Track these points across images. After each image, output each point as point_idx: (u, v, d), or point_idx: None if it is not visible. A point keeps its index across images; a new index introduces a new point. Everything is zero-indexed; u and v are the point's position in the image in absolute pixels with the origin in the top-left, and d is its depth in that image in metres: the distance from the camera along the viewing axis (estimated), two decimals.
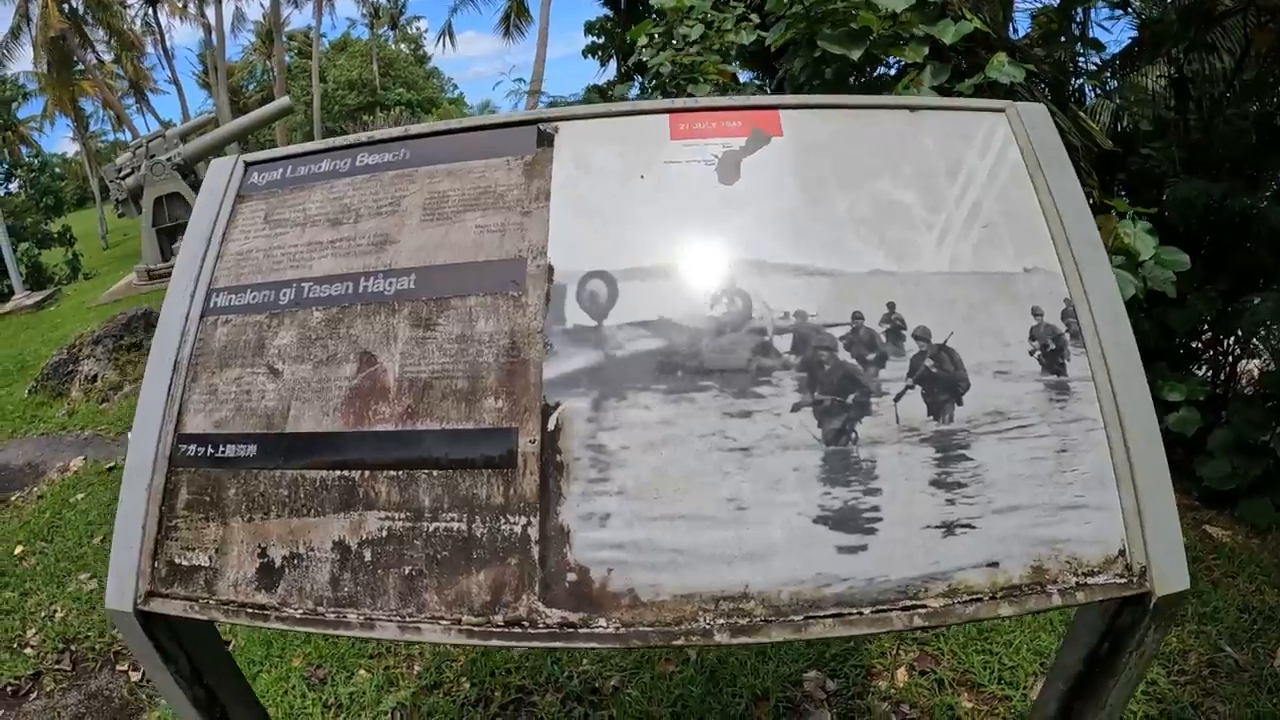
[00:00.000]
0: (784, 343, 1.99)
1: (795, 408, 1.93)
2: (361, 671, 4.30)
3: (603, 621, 1.82)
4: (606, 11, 19.70)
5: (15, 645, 5.13)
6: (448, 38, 43.19)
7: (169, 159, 15.11)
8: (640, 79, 18.48)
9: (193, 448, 2.17)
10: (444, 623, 1.88)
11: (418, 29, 75.94)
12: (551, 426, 1.96)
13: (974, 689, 3.69)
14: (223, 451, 2.14)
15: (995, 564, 1.82)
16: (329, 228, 2.36)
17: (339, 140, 2.53)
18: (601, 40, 19.21)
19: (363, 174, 2.43)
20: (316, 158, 2.51)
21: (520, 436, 1.97)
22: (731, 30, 10.17)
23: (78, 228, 31.70)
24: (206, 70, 56.68)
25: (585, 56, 19.43)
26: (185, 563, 2.07)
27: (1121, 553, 1.84)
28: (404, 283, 2.21)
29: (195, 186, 15.32)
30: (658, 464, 1.91)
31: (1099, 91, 9.11)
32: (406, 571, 1.94)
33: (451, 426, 2.03)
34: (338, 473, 2.05)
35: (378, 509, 1.99)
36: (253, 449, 2.12)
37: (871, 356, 1.97)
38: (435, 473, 2.00)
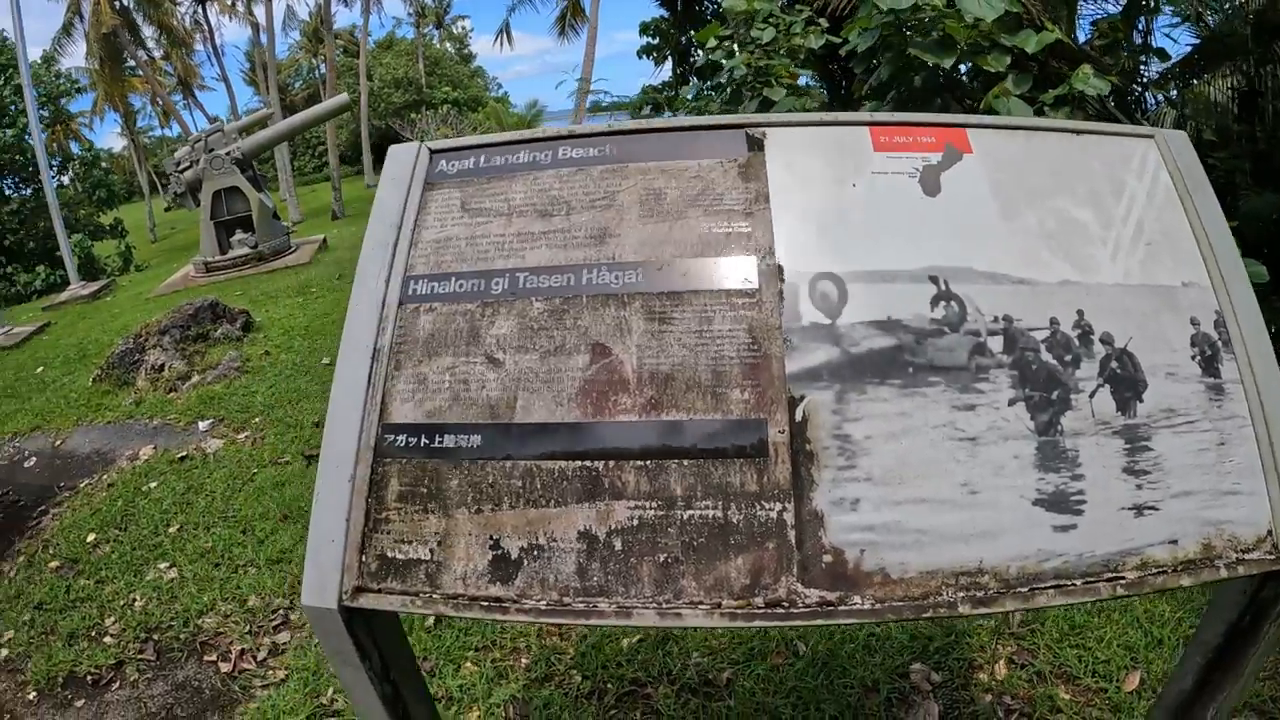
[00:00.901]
0: (996, 344, 2.14)
1: (1010, 402, 2.08)
2: (469, 664, 4.25)
3: (858, 599, 1.91)
4: (662, 12, 19.65)
5: (94, 634, 5.11)
6: (505, 36, 43.17)
7: (227, 153, 15.17)
8: (695, 79, 18.46)
9: (402, 438, 2.15)
10: (704, 607, 1.91)
11: (463, 28, 76.50)
12: (799, 417, 2.04)
13: (1070, 681, 3.72)
14: (440, 442, 2.13)
15: (1175, 541, 1.99)
16: (539, 219, 2.37)
17: (536, 132, 2.56)
18: (656, 41, 19.24)
19: (568, 167, 2.45)
20: (513, 149, 2.52)
21: (770, 427, 2.03)
22: (800, 34, 10.10)
23: (126, 221, 31.97)
24: (253, 68, 57.16)
25: (640, 57, 19.51)
26: (401, 556, 2.05)
27: (1270, 533, 2.02)
28: (631, 276, 2.23)
29: (253, 181, 15.45)
30: (898, 452, 2.02)
31: (1161, 100, 8.99)
32: (661, 559, 1.97)
33: (698, 417, 2.06)
34: (578, 463, 2.06)
35: (626, 498, 2.01)
36: (477, 439, 2.11)
37: (1068, 358, 2.13)
38: (686, 462, 2.03)
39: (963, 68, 7.52)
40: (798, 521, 1.95)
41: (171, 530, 5.98)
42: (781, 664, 3.97)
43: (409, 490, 2.09)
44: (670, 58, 19.72)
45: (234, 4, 45.20)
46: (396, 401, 2.19)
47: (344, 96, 16.50)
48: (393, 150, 2.57)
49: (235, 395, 8.05)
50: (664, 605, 1.92)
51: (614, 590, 1.94)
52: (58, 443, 8.22)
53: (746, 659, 4.03)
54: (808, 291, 2.16)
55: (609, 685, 3.98)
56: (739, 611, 1.89)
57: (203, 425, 7.53)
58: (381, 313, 2.28)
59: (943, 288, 2.18)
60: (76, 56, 46.60)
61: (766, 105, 9.65)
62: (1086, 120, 4.85)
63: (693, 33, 18.97)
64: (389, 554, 2.05)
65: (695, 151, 2.41)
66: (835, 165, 2.34)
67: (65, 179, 31.15)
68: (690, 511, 1.98)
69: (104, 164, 33.89)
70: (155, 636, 4.96)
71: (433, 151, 2.54)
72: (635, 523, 1.98)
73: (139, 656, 4.83)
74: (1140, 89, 8.77)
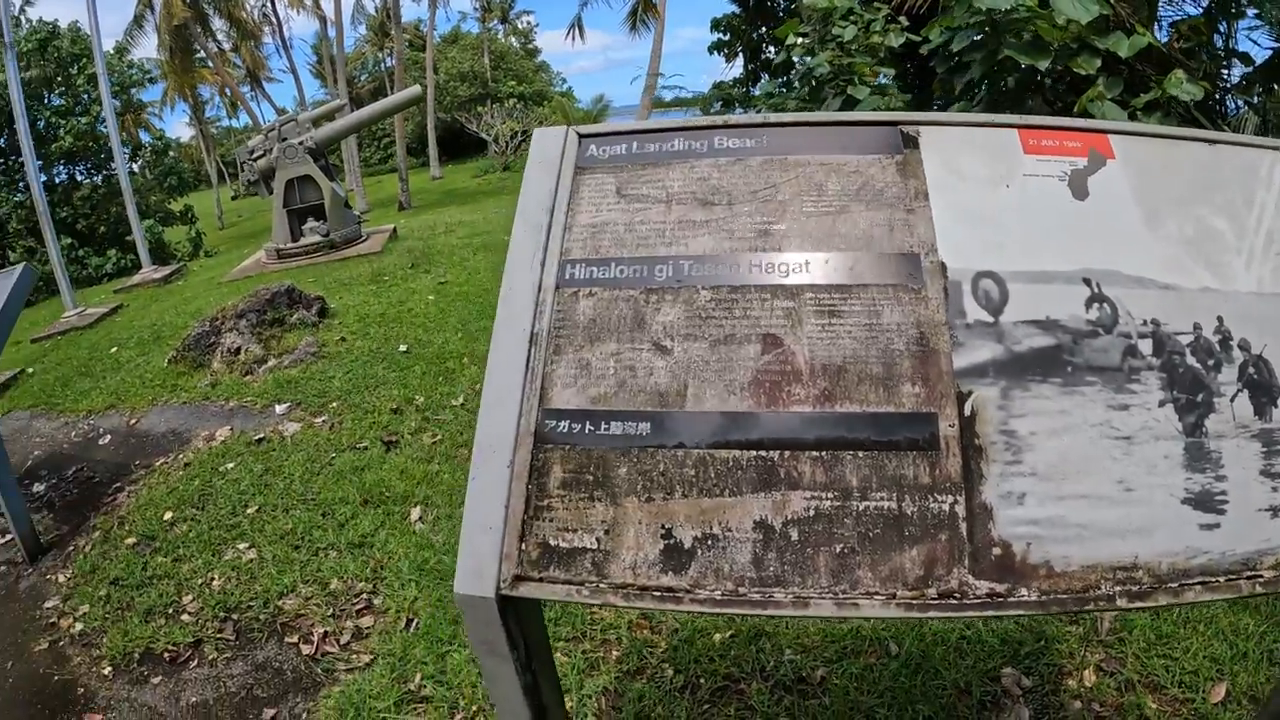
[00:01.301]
0: (1146, 346, 2.17)
1: (1160, 404, 2.11)
2: (560, 655, 4.15)
3: (1024, 591, 1.90)
4: (734, 8, 19.49)
5: (171, 611, 5.08)
6: (577, 30, 43.15)
7: (301, 142, 15.26)
8: (766, 76, 18.31)
9: (564, 424, 2.13)
10: (879, 598, 1.90)
11: (528, 23, 76.82)
12: (967, 412, 2.06)
13: (1157, 690, 3.66)
14: (607, 429, 2.10)
15: None
16: (701, 208, 2.37)
17: (690, 121, 2.58)
18: (727, 37, 19.12)
19: (725, 157, 2.45)
20: (666, 136, 2.53)
21: (941, 421, 2.05)
22: (879, 32, 9.96)
23: (195, 209, 32.38)
24: (320, 60, 57.72)
25: (711, 53, 19.40)
26: (565, 544, 2.01)
27: None
28: (799, 268, 2.23)
29: (326, 170, 15.50)
30: (1060, 449, 2.02)
31: (1242, 106, 8.77)
32: (838, 550, 1.95)
33: (872, 410, 2.07)
34: (753, 453, 2.03)
35: (802, 489, 1.99)
36: (646, 427, 2.09)
37: (1210, 362, 2.16)
38: (860, 454, 2.03)
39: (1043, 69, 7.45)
40: (969, 514, 1.96)
41: (250, 511, 5.93)
42: (875, 663, 3.90)
43: (573, 477, 2.06)
44: (742, 54, 19.56)
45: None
46: (557, 387, 2.16)
47: (416, 89, 16.52)
48: (539, 133, 2.57)
49: (312, 380, 8.01)
50: (840, 596, 1.90)
51: (790, 581, 1.92)
52: (133, 421, 8.24)
53: (839, 657, 3.95)
54: (970, 289, 2.19)
55: (702, 680, 3.90)
56: (913, 602, 1.88)
57: (279, 408, 7.50)
58: (538, 296, 2.26)
59: (1095, 290, 2.22)
60: (147, 48, 47.48)
61: (851, 104, 9.52)
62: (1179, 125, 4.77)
63: (764, 29, 18.85)
64: (551, 542, 2.01)
65: (849, 146, 2.42)
66: (989, 166, 2.37)
67: (135, 166, 31.48)
68: (865, 503, 1.98)
69: (173, 152, 34.33)
70: (234, 616, 4.92)
71: (581, 135, 2.54)
72: (811, 513, 1.97)
73: (218, 635, 4.79)
74: (1222, 93, 8.58)
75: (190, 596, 5.15)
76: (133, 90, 33.48)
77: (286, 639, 4.68)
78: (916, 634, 4.01)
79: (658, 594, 1.92)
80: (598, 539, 1.98)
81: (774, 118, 2.52)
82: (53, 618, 5.34)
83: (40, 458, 8.10)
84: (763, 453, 2.02)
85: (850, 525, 1.95)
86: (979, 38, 7.61)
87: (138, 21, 43.99)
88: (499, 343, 2.21)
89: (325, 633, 4.63)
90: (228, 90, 53.29)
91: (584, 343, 2.19)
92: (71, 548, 6.13)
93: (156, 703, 4.44)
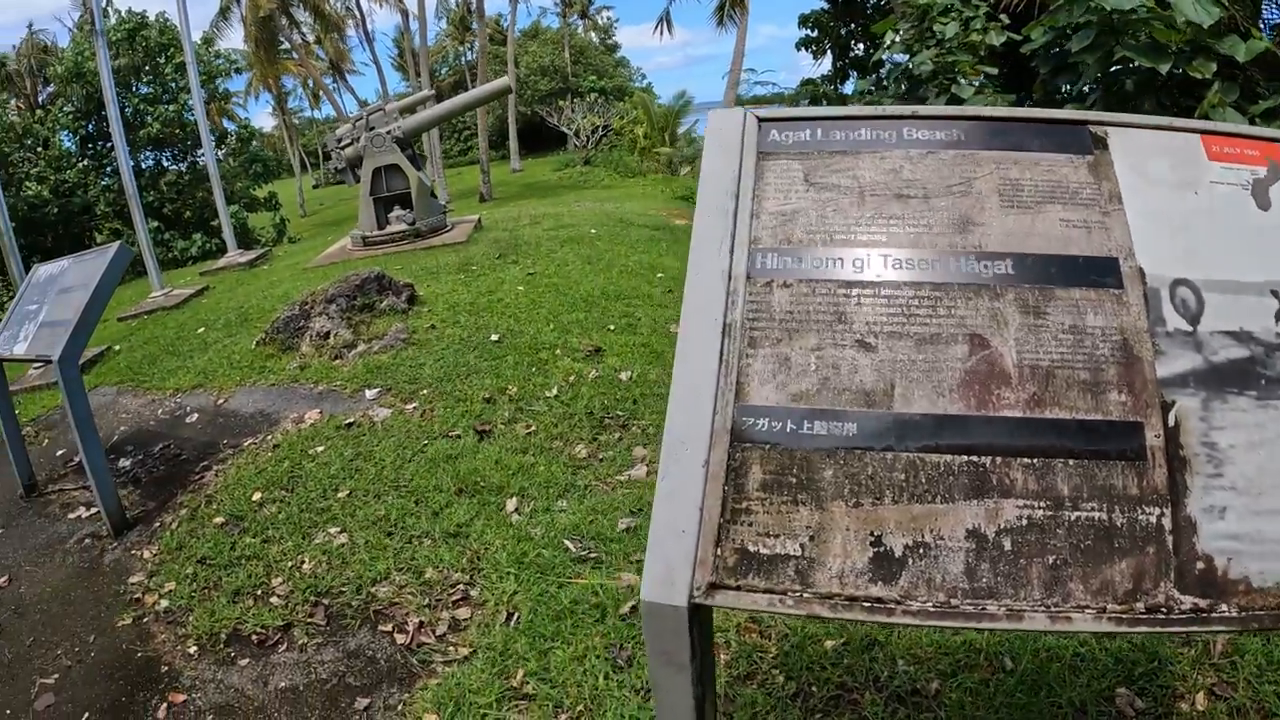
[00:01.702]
0: None
1: None
2: None
3: (1225, 607, 1.84)
4: (823, 4, 19.23)
5: (260, 593, 4.97)
6: (665, 24, 42.83)
7: (388, 132, 15.25)
8: (855, 74, 18.00)
9: (764, 421, 2.02)
10: (1090, 611, 1.82)
11: (607, 18, 76.99)
12: (1171, 423, 2.00)
13: (1270, 718, 3.46)
14: (810, 428, 2.00)
15: None
16: (895, 200, 2.31)
17: (876, 110, 2.51)
18: (815, 34, 18.87)
19: (916, 148, 2.40)
20: (852, 124, 2.47)
21: (1147, 431, 1.99)
22: (979, 30, 9.70)
23: (277, 196, 32.86)
24: (401, 53, 58.32)
25: (799, 49, 19.14)
26: (766, 551, 1.89)
27: None
28: (1001, 267, 2.19)
29: (413, 160, 15.48)
30: (1258, 462, 1.97)
31: None
32: (1050, 561, 1.88)
33: (1080, 417, 2.01)
34: (965, 458, 1.95)
35: (1015, 496, 1.92)
36: (853, 427, 2.00)
37: None
38: (1071, 461, 1.97)
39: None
40: (1174, 527, 1.91)
41: (340, 495, 5.81)
42: (990, 678, 3.73)
43: (774, 479, 1.95)
44: (830, 51, 19.28)
45: None
46: (755, 382, 2.07)
47: (505, 80, 16.48)
48: (715, 115, 2.52)
49: (402, 366, 7.88)
50: (1053, 609, 1.82)
51: (1003, 592, 1.85)
52: (220, 401, 8.18)
53: (954, 670, 3.77)
54: (1168, 296, 2.15)
55: (814, 688, 3.73)
56: (1123, 616, 1.82)
57: (370, 393, 7.38)
58: (729, 285, 2.17)
59: None
60: (233, 39, 48.15)
61: (955, 102, 9.27)
62: None
63: (853, 26, 18.58)
64: (750, 548, 1.89)
65: (1038, 144, 2.38)
66: (1177, 171, 2.32)
67: (220, 154, 31.97)
68: (1077, 513, 1.91)
69: (256, 141, 34.87)
70: (325, 601, 4.79)
71: (760, 119, 2.48)
72: (1024, 522, 1.90)
73: (308, 620, 4.67)
74: None
75: (279, 579, 5.04)
76: (218, 80, 34.05)
77: (380, 627, 4.53)
78: (1031, 649, 3.83)
79: (867, 605, 1.82)
80: (802, 545, 1.87)
81: (961, 111, 2.49)
82: (137, 593, 5.26)
83: (127, 433, 8.08)
84: (974, 458, 1.95)
85: (1062, 536, 1.88)
86: (1098, 36, 7.34)
87: (223, 13, 44.78)
88: (689, 332, 2.10)
89: (421, 623, 4.48)
90: (310, 82, 54.04)
91: (781, 336, 2.10)
92: (158, 524, 6.06)
93: (244, 685, 4.32)
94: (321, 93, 51.16)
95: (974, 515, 1.88)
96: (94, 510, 6.46)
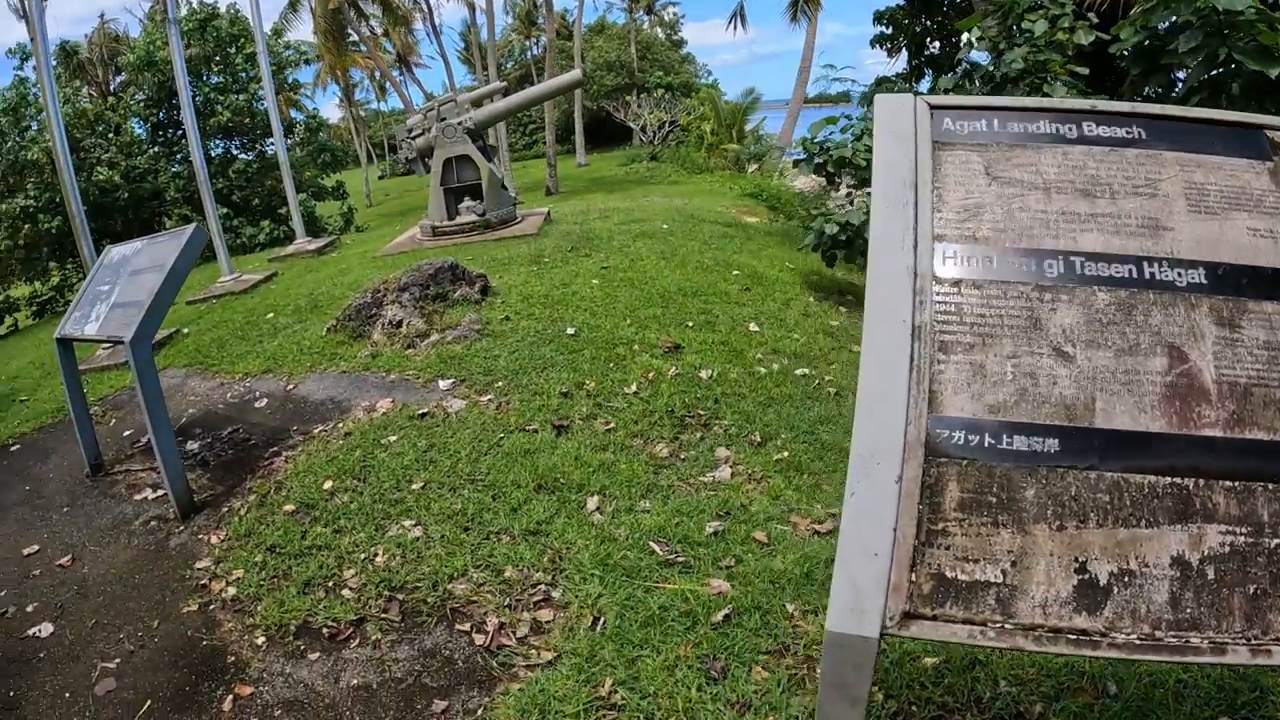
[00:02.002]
0: None
1: None
2: (759, 669, 3.76)
3: None
4: (899, 1, 18.91)
5: (331, 585, 4.80)
6: (739, 19, 42.22)
7: (460, 123, 15.17)
8: (930, 72, 17.61)
9: (960, 434, 1.91)
10: None
11: (674, 14, 76.81)
12: None
13: None
14: (1009, 443, 1.88)
15: None
16: (1082, 199, 2.19)
17: (1054, 102, 2.41)
18: (889, 31, 18.56)
19: (1098, 145, 2.28)
20: (1030, 116, 2.36)
21: None
22: (1066, 30, 9.40)
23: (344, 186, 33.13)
24: (468, 47, 58.56)
25: (873, 46, 18.86)
26: (964, 577, 1.78)
27: None
28: (1194, 276, 2.05)
29: (483, 151, 15.38)
30: None
31: None
32: (1251, 590, 1.73)
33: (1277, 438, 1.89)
34: (1168, 479, 1.82)
35: (1217, 522, 1.79)
36: (1054, 443, 1.87)
37: None
38: (1270, 485, 1.85)
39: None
40: None
41: (414, 487, 5.63)
42: (1094, 702, 3.54)
43: (972, 498, 1.83)
44: (905, 49, 18.95)
45: None
46: (948, 391, 1.95)
47: (576, 73, 16.30)
48: (883, 100, 2.40)
49: (476, 357, 7.70)
50: (1253, 641, 1.72)
51: (1205, 624, 1.73)
52: (290, 387, 8.06)
53: (1057, 693, 3.58)
54: None
55: (914, 708, 3.53)
56: None
57: (443, 384, 7.21)
58: (915, 284, 2.05)
59: None
60: (302, 31, 48.52)
61: None
62: None
63: (929, 23, 18.22)
64: (948, 573, 1.78)
65: (1218, 147, 2.27)
66: None
67: (288, 143, 32.24)
68: (1276, 540, 1.81)
69: (323, 132, 35.18)
70: (400, 596, 4.62)
71: (932, 106, 2.38)
72: (1227, 549, 1.80)
73: (382, 615, 4.50)
74: None
75: (352, 571, 4.86)
76: (287, 71, 34.36)
77: (457, 626, 4.34)
78: (1134, 675, 3.63)
79: (1072, 638, 1.70)
80: (1003, 571, 1.75)
81: (1142, 108, 2.36)
82: (203, 579, 5.13)
83: (195, 416, 7.98)
84: (1177, 479, 1.82)
85: (1263, 564, 1.79)
86: (1206, 37, 7.06)
87: (293, 5, 45.37)
88: (874, 333, 1.98)
89: (501, 624, 4.28)
90: (377, 74, 54.42)
91: (974, 341, 2.00)
92: (225, 509, 5.93)
93: (314, 680, 4.16)
94: (389, 84, 51.45)
95: (1178, 541, 1.76)
96: (160, 492, 6.36)
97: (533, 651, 4.07)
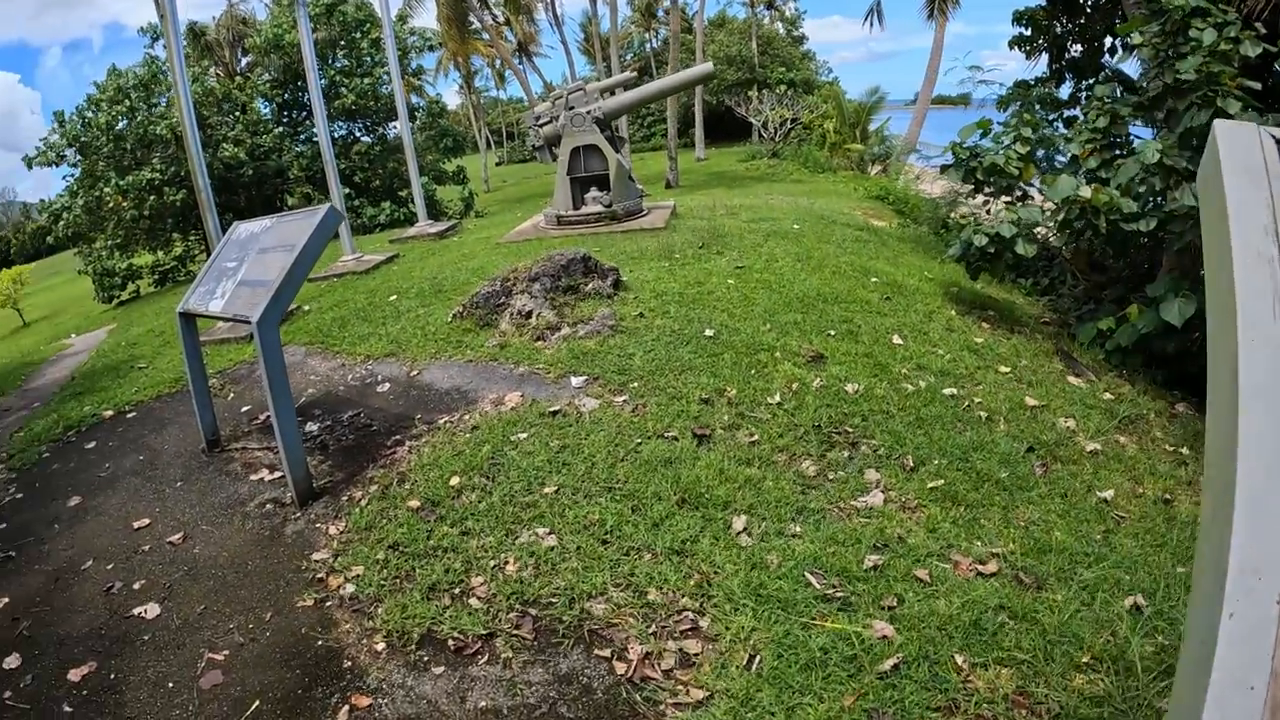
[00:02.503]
0: None
1: None
2: None
3: None
4: (1040, 0, 18.17)
5: (458, 592, 4.49)
6: (875, 16, 40.93)
7: (588, 112, 14.91)
8: (1071, 76, 16.85)
9: None
10: None
11: (795, 9, 76.06)
12: None
13: None
14: None
15: None
16: None
17: None
18: (1029, 32, 17.86)
19: None
20: None
21: None
22: (1229, 40, 8.76)
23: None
24: (587, 38, 58.63)
25: (1011, 48, 18.13)
26: None
27: None
28: None
29: (612, 142, 15.08)
30: None
31: None
32: None
33: None
34: None
35: None
36: None
37: None
38: None
39: None
40: None
41: (547, 491, 5.27)
42: None
43: None
44: (1045, 51, 18.19)
45: None
46: None
47: (708, 65, 15.91)
48: (1224, 129, 2.04)
49: (610, 354, 7.34)
50: None
51: None
52: (414, 372, 7.80)
53: None
54: None
55: None
56: None
57: (575, 381, 6.85)
58: None
59: None
60: (425, 17, 48.93)
61: (1221, 117, 8.32)
62: None
63: (1071, 25, 17.47)
64: None
65: None
66: None
67: (411, 127, 32.61)
68: None
69: (444, 118, 35.47)
70: (533, 611, 4.27)
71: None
72: None
73: (513, 632, 4.16)
74: None
75: (480, 578, 4.53)
76: (411, 57, 34.70)
77: (596, 650, 3.97)
78: None
79: None
80: None
81: None
82: (320, 572, 4.87)
83: (315, 397, 7.77)
84: None
85: None
86: None
87: None
88: (1251, 423, 1.54)
89: (646, 653, 3.89)
90: (496, 62, 54.74)
91: None
92: (345, 498, 5.67)
93: (437, 697, 3.84)
94: (510, 72, 51.69)
95: None
96: (278, 474, 6.17)
97: (681, 688, 3.67)
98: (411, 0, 48.04)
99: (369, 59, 30.71)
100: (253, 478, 6.28)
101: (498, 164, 63.39)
